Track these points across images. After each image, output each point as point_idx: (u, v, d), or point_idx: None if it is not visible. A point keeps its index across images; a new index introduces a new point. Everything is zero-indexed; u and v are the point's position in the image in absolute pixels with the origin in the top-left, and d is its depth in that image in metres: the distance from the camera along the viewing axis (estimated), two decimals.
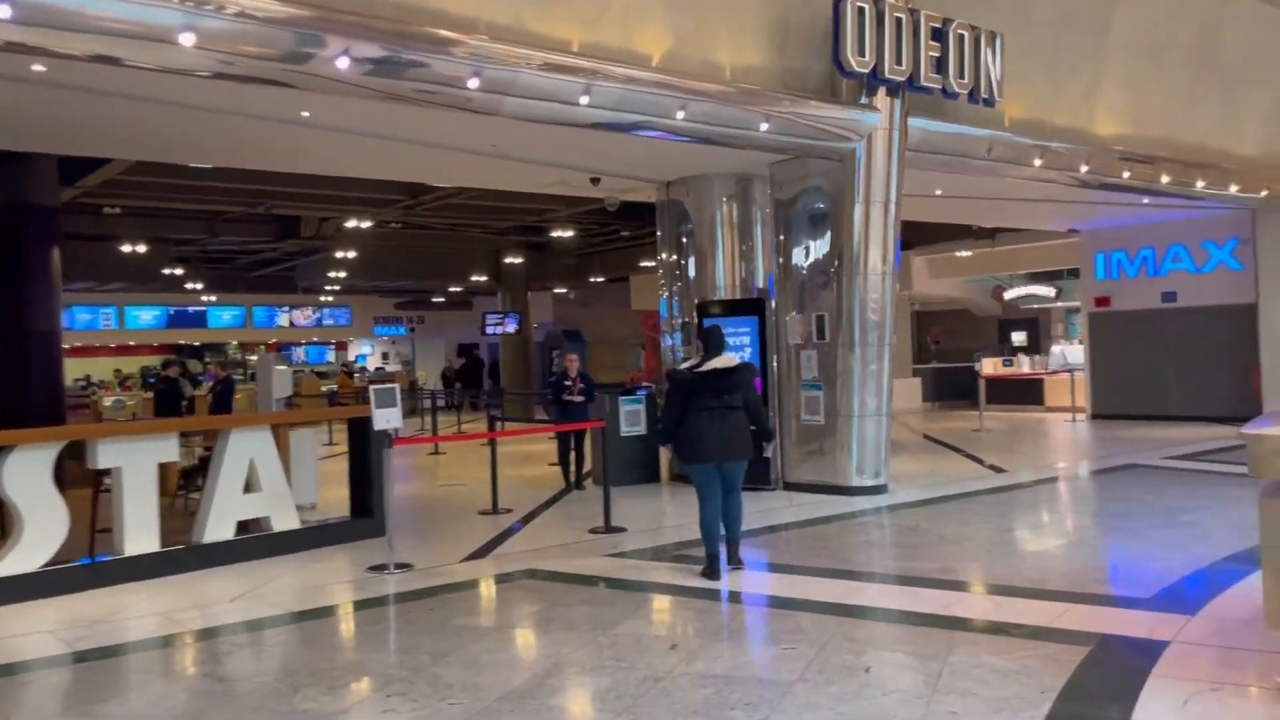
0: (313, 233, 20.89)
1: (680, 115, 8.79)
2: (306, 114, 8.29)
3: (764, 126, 9.34)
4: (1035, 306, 25.76)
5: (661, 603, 6.36)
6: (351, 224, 18.78)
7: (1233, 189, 14.42)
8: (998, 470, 12.10)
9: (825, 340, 10.48)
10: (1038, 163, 11.93)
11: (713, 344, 6.84)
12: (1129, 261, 18.29)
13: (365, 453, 8.78)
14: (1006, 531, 8.16)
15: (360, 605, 6.53)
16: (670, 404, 6.87)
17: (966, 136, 11.10)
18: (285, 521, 8.22)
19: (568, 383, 11.46)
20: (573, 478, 11.51)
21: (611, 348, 26.40)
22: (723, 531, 6.86)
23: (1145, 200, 14.88)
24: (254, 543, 7.99)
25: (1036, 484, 11.12)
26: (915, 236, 21.19)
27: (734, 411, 6.68)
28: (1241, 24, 14.34)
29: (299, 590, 6.92)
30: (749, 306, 11.13)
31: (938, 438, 16.46)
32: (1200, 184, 13.92)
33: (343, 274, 23.97)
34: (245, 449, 8.01)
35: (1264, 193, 14.95)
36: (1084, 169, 12.48)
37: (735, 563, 6.90)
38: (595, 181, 11.57)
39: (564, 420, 11.51)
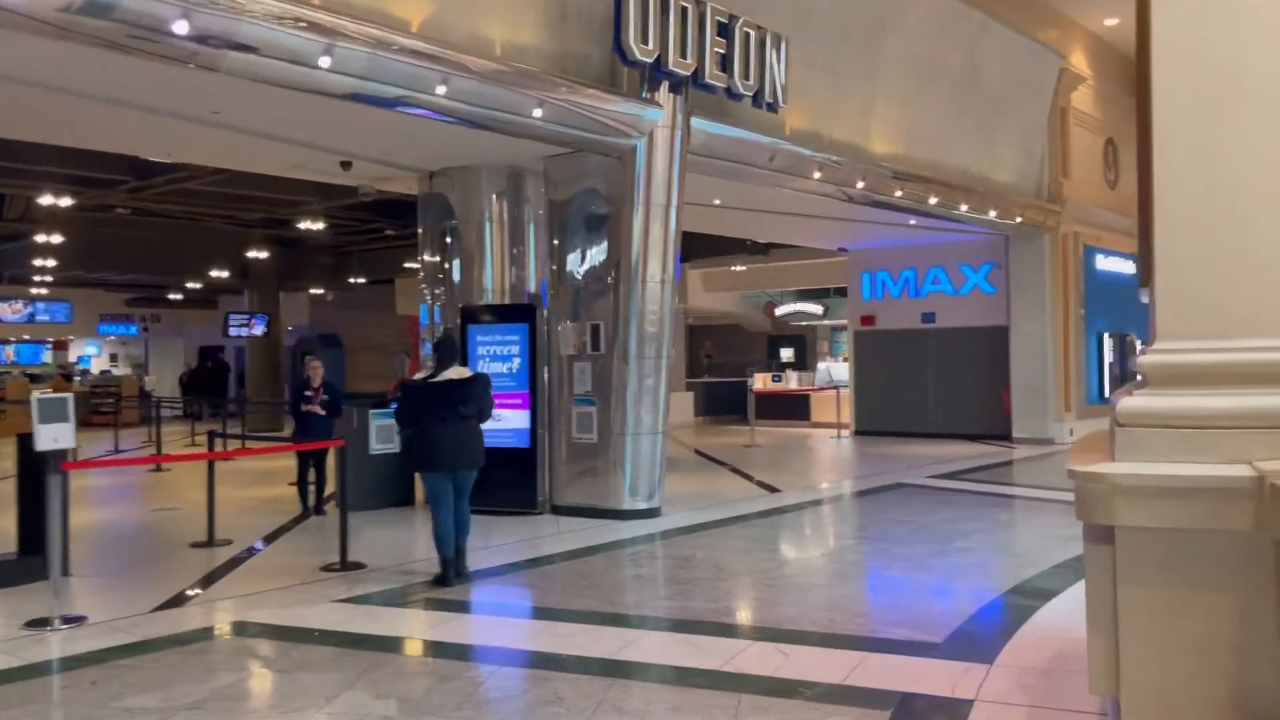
0: (18, 214, 18.05)
1: (441, 91, 7.71)
2: None
3: (537, 113, 8.42)
4: (804, 323, 26.34)
5: (396, 664, 5.25)
6: (48, 201, 16.20)
7: (991, 214, 14.88)
8: (770, 489, 11.73)
9: (600, 352, 9.67)
10: (817, 175, 11.68)
11: (446, 354, 7.10)
12: (892, 282, 18.73)
13: (38, 476, 7.10)
14: (786, 562, 7.60)
15: None
16: (403, 412, 7.15)
17: (749, 143, 10.64)
18: None
19: (309, 392, 10.05)
20: (311, 501, 10.10)
21: (375, 354, 24.67)
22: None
23: (912, 221, 15.12)
24: None
25: (810, 505, 10.78)
26: (691, 249, 20.93)
27: (467, 421, 6.92)
28: (997, 53, 14.86)
29: None
30: (518, 314, 10.15)
31: (710, 453, 16.11)
32: (964, 207, 14.25)
33: (52, 262, 20.93)
34: None
35: (1018, 219, 15.56)
36: (860, 185, 12.37)
37: (462, 575, 6.96)
38: (346, 166, 10.24)
39: (305, 434, 10.09)
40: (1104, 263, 18.23)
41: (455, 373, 6.97)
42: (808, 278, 22.57)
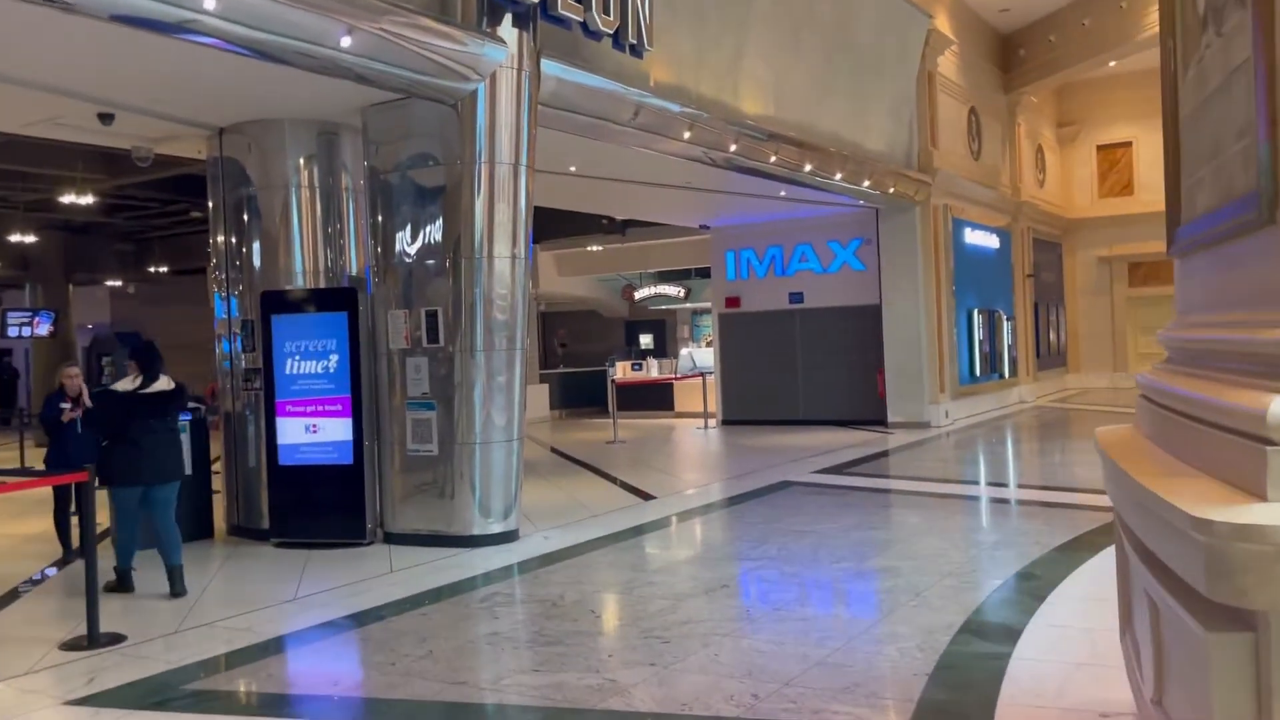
0: None
1: (212, 6, 5.82)
2: None
3: (346, 42, 6.61)
4: (664, 307, 25.04)
5: None
6: None
7: (865, 184, 13.84)
8: (642, 495, 10.27)
9: (439, 344, 7.94)
10: (687, 135, 10.23)
11: (149, 363, 6.79)
12: (758, 260, 17.60)
13: None
14: (678, 600, 6.12)
15: None
16: (105, 422, 6.84)
17: (610, 94, 9.07)
18: None
19: (65, 404, 7.88)
20: (75, 540, 7.97)
21: (189, 354, 21.93)
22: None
23: (782, 192, 13.92)
24: None
25: (691, 515, 9.36)
26: (544, 228, 19.27)
27: (173, 434, 6.92)
28: (870, 8, 13.80)
29: None
30: (335, 300, 8.30)
31: (569, 453, 14.54)
32: (838, 176, 13.12)
33: None
34: None
35: (891, 190, 14.59)
36: (732, 148, 11.01)
37: (178, 589, 6.54)
38: (106, 119, 8.10)
39: (61, 457, 7.93)
40: (971, 236, 17.60)
41: (162, 384, 6.80)
42: (668, 258, 21.26)
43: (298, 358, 8.15)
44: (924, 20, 15.21)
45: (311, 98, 7.94)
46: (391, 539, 8.08)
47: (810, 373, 17.07)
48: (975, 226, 17.75)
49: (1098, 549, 6.81)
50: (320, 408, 8.13)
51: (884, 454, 13.09)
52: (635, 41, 8.65)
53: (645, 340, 24.89)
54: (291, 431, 8.19)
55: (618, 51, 8.67)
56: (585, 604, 6.08)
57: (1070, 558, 6.65)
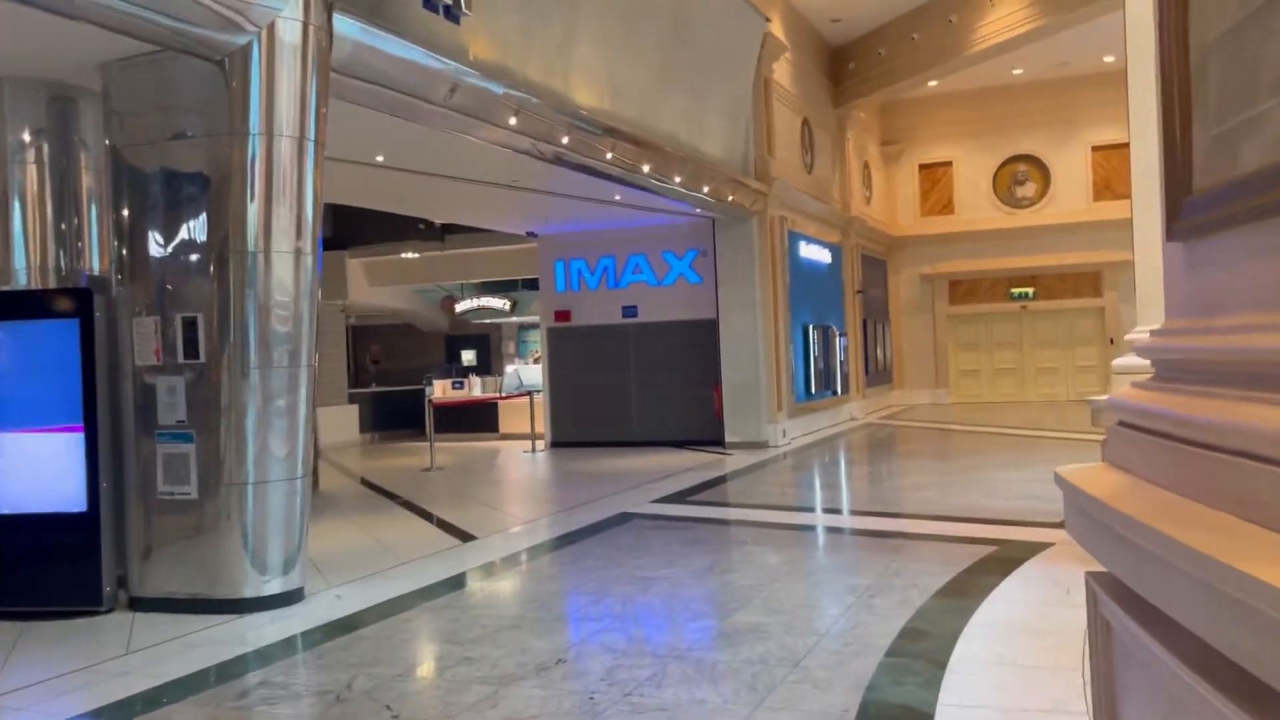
0: None
1: None
2: None
3: None
4: (487, 321, 23.56)
5: None
6: None
7: (705, 190, 12.96)
8: (461, 535, 8.90)
9: (199, 360, 6.35)
10: (513, 122, 8.98)
11: None
12: (589, 272, 16.50)
13: None
14: (502, 685, 4.83)
15: None
16: None
17: (422, 67, 7.73)
18: None
19: None
20: None
21: None
22: None
23: (617, 196, 12.87)
24: None
25: (520, 559, 8.06)
26: (353, 232, 17.55)
27: None
28: (707, 4, 12.98)
29: None
30: (60, 304, 6.56)
31: (379, 483, 12.95)
32: (678, 179, 12.18)
33: None
34: None
35: (730, 198, 13.80)
36: (565, 140, 9.84)
37: None
38: None
39: None
40: (806, 250, 17.10)
41: None
42: (492, 268, 19.86)
43: (10, 376, 6.37)
44: (761, 22, 14.56)
45: (37, 49, 6.24)
46: (138, 605, 6.40)
47: (644, 391, 16.09)
48: (810, 240, 17.28)
49: (982, 592, 5.99)
50: (42, 441, 6.38)
51: (725, 478, 12.18)
52: (451, 2, 7.35)
53: (468, 356, 23.37)
54: (4, 470, 6.40)
55: (430, 13, 7.35)
56: (379, 695, 4.70)
57: (956, 606, 5.77)
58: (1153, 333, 3.05)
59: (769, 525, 8.83)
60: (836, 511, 9.52)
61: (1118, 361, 6.47)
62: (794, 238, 16.39)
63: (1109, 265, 21.50)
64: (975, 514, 8.78)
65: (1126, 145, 20.44)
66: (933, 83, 21.11)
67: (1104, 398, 6.53)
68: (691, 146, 12.97)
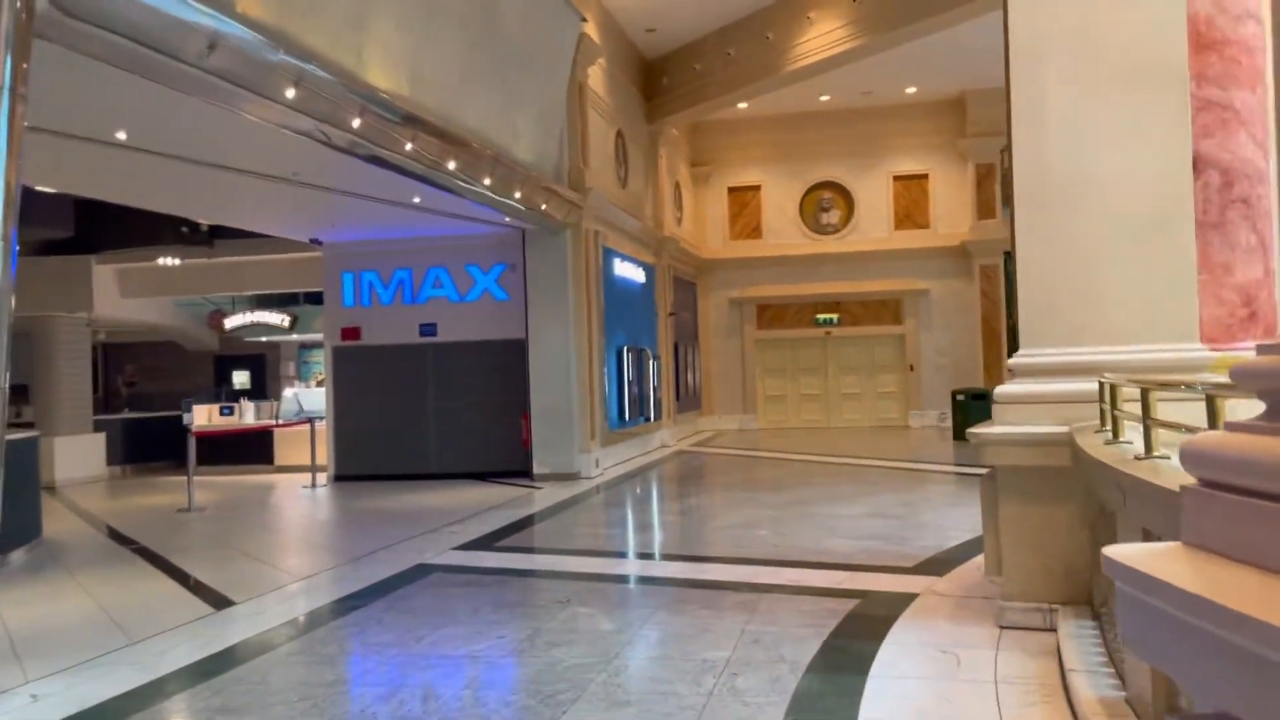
0: None
1: None
2: None
3: None
4: (263, 340, 21.20)
5: None
6: None
7: (516, 195, 11.72)
8: (218, 600, 7.22)
9: None
10: (291, 94, 7.45)
11: None
12: (383, 285, 14.87)
13: None
14: None
15: None
16: None
17: (169, 14, 6.12)
18: None
19: None
20: None
21: None
22: None
23: (417, 198, 11.43)
24: None
25: (288, 636, 6.45)
26: (100, 233, 15.13)
27: None
28: None
29: None
30: None
31: (124, 529, 10.87)
32: (487, 181, 10.89)
33: None
34: None
35: (543, 206, 12.61)
36: (356, 123, 8.36)
37: None
38: None
39: None
40: (621, 268, 16.14)
41: None
42: (270, 279, 17.71)
43: None
44: (576, 21, 13.51)
45: None
46: None
47: (444, 418, 14.59)
48: (625, 258, 16.34)
49: (861, 667, 5.04)
50: None
51: (536, 518, 10.90)
52: None
53: (241, 379, 20.95)
54: None
55: None
56: None
57: (837, 688, 4.77)
58: (1261, 348, 2.07)
59: (593, 577, 7.63)
60: (668, 558, 8.44)
61: (1002, 389, 5.72)
62: (609, 254, 15.39)
63: (908, 293, 21.81)
64: (820, 557, 7.93)
65: (925, 176, 20.56)
66: (743, 105, 20.79)
67: (989, 430, 5.78)
68: (502, 148, 11.70)
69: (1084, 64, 5.59)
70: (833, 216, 22.44)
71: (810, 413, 22.65)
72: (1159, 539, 3.45)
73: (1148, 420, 3.95)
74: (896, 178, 22.05)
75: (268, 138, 8.34)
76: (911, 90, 20.76)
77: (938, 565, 7.46)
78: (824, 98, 20.93)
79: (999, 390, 5.73)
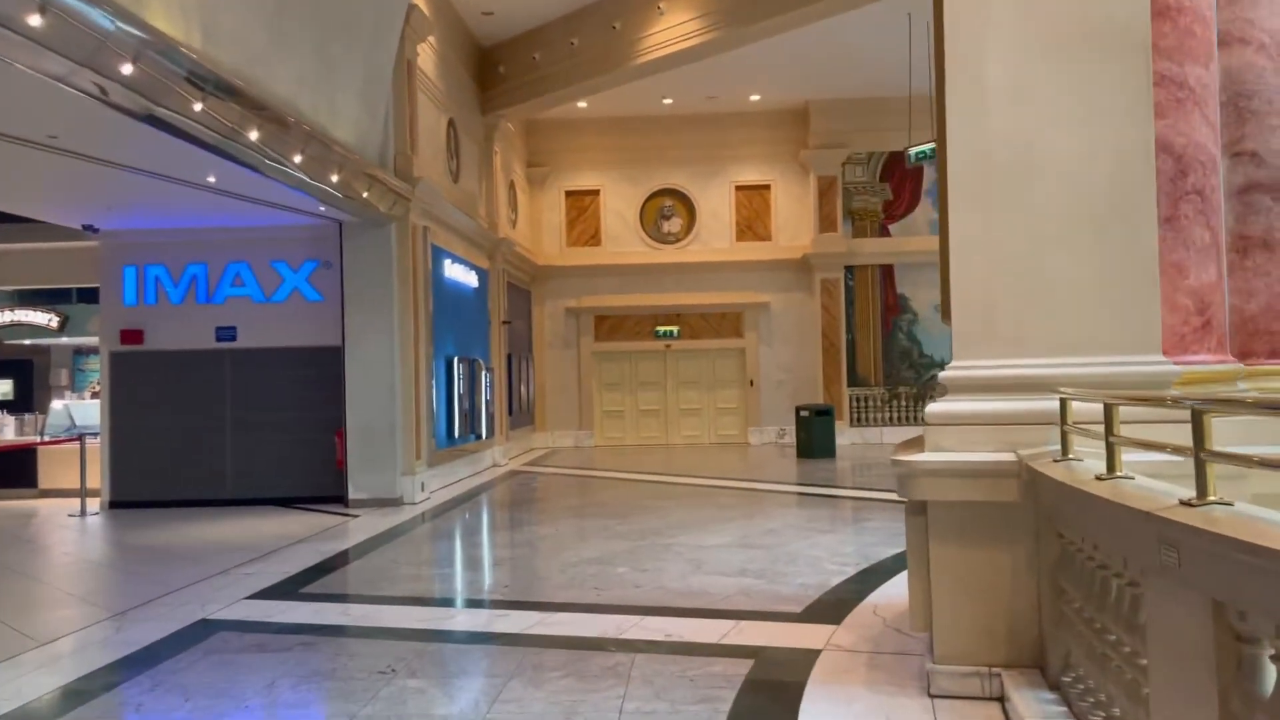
0: None
1: None
2: None
3: None
4: (27, 343, 18.34)
5: None
6: None
7: (334, 178, 10.16)
8: None
9: None
10: (36, 22, 5.76)
11: None
12: (172, 281, 12.88)
13: None
14: None
15: None
16: None
17: None
18: None
19: None
20: None
21: None
22: None
23: (212, 177, 9.69)
24: None
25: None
26: None
27: None
28: None
29: None
30: None
31: None
32: (298, 158, 9.30)
33: None
34: None
35: (365, 194, 11.06)
36: (127, 70, 6.68)
37: None
38: None
39: None
40: (452, 270, 14.70)
41: None
42: (33, 271, 15.17)
43: None
44: None
45: None
46: None
47: (244, 435, 12.73)
48: (456, 259, 14.89)
49: None
50: None
51: (352, 554, 9.34)
52: None
53: (2, 388, 18.08)
54: None
55: None
56: None
57: None
58: None
59: (424, 635, 6.24)
60: (514, 605, 7.10)
61: (934, 408, 4.76)
62: (439, 254, 13.92)
63: (750, 306, 21.26)
64: (692, 601, 6.83)
65: (767, 187, 20.04)
66: (583, 104, 19.74)
67: (920, 458, 4.81)
68: (318, 124, 10.12)
69: (1031, 24, 4.73)
70: (674, 225, 21.66)
71: (649, 429, 21.73)
72: (1243, 615, 2.51)
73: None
74: (739, 187, 21.50)
75: (10, 83, 6.56)
76: (756, 98, 20.24)
77: (829, 609, 6.49)
78: (667, 101, 20.14)
79: (930, 410, 4.77)
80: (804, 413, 18.00)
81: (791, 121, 21.03)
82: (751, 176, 21.47)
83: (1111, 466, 3.48)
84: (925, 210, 20.69)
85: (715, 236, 21.47)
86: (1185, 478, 3.62)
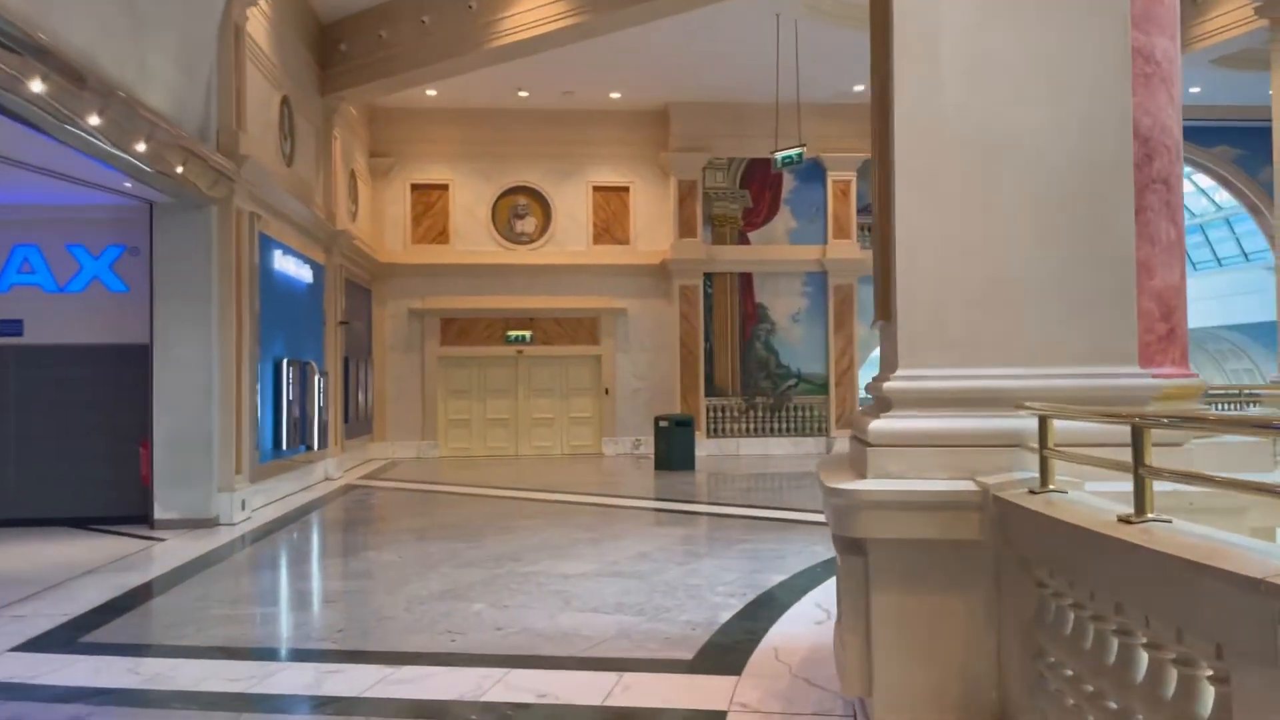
0: None
1: None
2: None
3: None
4: None
5: None
6: None
7: (140, 148, 8.68)
8: None
9: None
10: None
11: None
12: None
13: None
14: None
15: None
16: None
17: None
18: None
19: None
20: None
21: None
22: None
23: None
24: None
25: None
26: None
27: None
28: None
29: None
30: None
31: None
32: (95, 120, 7.83)
33: None
34: None
35: (180, 168, 9.58)
36: None
37: None
38: None
39: None
40: (282, 263, 13.24)
41: None
42: None
43: None
44: None
45: None
46: None
47: (29, 444, 10.94)
48: (288, 251, 13.42)
49: None
50: None
51: (155, 588, 7.91)
52: None
53: None
54: None
55: None
56: None
57: None
58: None
59: (238, 702, 5.03)
60: (353, 657, 5.92)
61: (879, 426, 3.97)
62: (268, 244, 12.44)
63: (606, 312, 20.43)
64: (565, 647, 5.86)
65: (626, 189, 19.26)
66: (432, 92, 18.49)
67: (863, 486, 4.00)
68: (125, 84, 8.63)
69: None
70: (528, 225, 20.60)
71: (498, 439, 20.57)
72: None
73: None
74: (596, 188, 20.65)
75: None
76: (615, 95, 19.46)
77: (724, 654, 5.65)
78: (523, 94, 19.10)
79: (873, 428, 3.97)
80: (664, 423, 17.28)
81: (652, 123, 20.36)
82: (610, 177, 20.67)
83: (1141, 507, 2.74)
84: (784, 219, 20.41)
85: (571, 238, 20.55)
86: (1177, 510, 2.98)
